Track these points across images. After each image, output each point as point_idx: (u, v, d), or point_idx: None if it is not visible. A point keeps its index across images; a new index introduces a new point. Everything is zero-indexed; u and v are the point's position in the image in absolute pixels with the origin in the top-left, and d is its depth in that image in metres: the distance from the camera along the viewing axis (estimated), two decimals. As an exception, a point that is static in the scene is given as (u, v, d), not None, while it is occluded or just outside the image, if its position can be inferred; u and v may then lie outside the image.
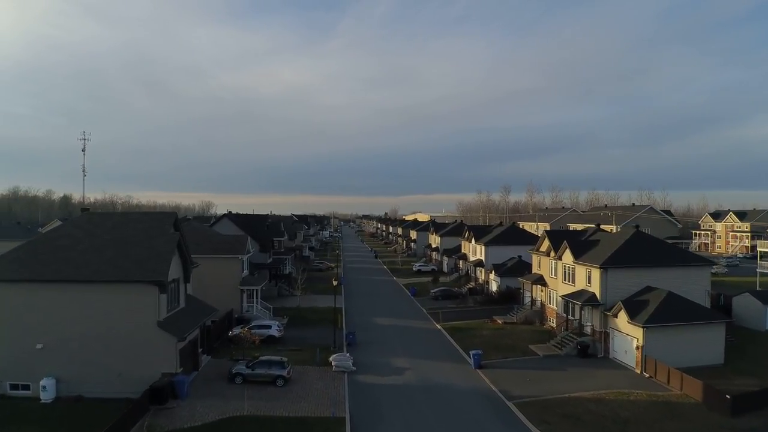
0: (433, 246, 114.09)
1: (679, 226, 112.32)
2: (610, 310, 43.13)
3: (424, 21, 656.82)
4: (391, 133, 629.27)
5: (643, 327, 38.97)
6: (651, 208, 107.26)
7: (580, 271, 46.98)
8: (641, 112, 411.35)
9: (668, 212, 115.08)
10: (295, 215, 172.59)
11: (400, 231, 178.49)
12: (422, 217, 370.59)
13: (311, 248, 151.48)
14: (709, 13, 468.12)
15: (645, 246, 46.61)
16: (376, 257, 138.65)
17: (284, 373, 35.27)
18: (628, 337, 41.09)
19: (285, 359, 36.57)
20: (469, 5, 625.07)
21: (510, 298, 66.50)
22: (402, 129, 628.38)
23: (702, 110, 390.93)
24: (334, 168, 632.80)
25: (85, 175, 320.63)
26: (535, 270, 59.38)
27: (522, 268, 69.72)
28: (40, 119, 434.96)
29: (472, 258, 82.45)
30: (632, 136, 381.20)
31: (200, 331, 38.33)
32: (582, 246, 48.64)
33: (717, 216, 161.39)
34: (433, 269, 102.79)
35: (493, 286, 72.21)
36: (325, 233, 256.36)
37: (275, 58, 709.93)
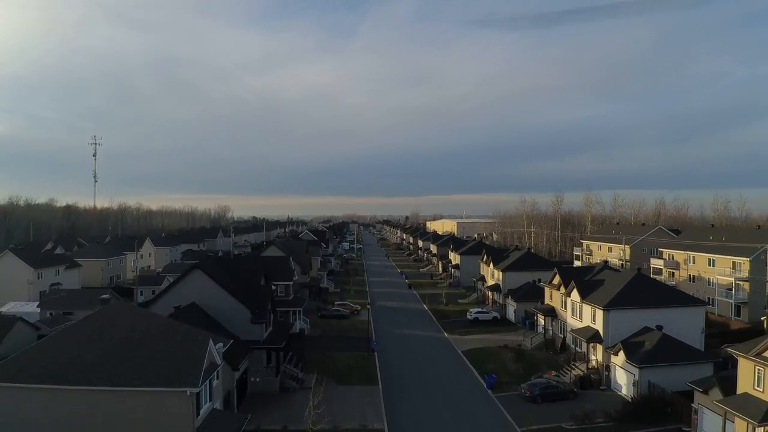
0: (490, 282, 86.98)
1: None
2: None
3: (448, 20, 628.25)
4: (411, 133, 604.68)
5: None
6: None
7: None
8: (677, 108, 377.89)
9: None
10: (312, 232, 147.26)
11: (434, 248, 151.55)
12: (448, 225, 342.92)
13: (330, 273, 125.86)
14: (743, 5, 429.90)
15: None
16: (410, 287, 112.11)
17: None
18: None
19: None
20: (494, 3, 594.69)
21: (663, 410, 39.54)
22: (422, 129, 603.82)
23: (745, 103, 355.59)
24: (353, 169, 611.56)
25: (96, 181, 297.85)
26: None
27: (677, 351, 42.86)
28: (67, 122, 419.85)
29: (575, 323, 55.18)
30: (669, 133, 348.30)
31: None
32: None
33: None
34: (495, 317, 75.86)
35: (621, 379, 45.23)
36: (345, 245, 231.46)
37: (298, 59, 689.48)
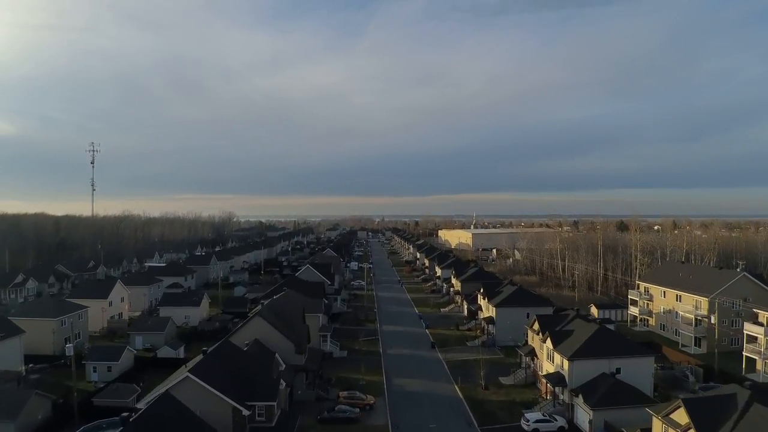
0: (548, 366, 65.76)
1: None
2: None
3: (456, 18, 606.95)
4: (418, 132, 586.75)
5: None
6: None
7: None
8: (688, 106, 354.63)
9: None
10: (315, 266, 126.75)
11: (457, 283, 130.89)
12: (463, 236, 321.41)
13: (335, 317, 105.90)
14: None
15: None
16: (433, 346, 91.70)
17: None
18: None
19: None
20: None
21: None
22: (429, 128, 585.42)
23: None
24: (360, 168, 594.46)
25: (94, 189, 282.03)
26: None
27: None
28: (77, 123, 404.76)
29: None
30: (680, 131, 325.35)
31: None
32: None
33: None
34: (561, 428, 55.04)
35: None
36: (353, 265, 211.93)
37: (306, 59, 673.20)
